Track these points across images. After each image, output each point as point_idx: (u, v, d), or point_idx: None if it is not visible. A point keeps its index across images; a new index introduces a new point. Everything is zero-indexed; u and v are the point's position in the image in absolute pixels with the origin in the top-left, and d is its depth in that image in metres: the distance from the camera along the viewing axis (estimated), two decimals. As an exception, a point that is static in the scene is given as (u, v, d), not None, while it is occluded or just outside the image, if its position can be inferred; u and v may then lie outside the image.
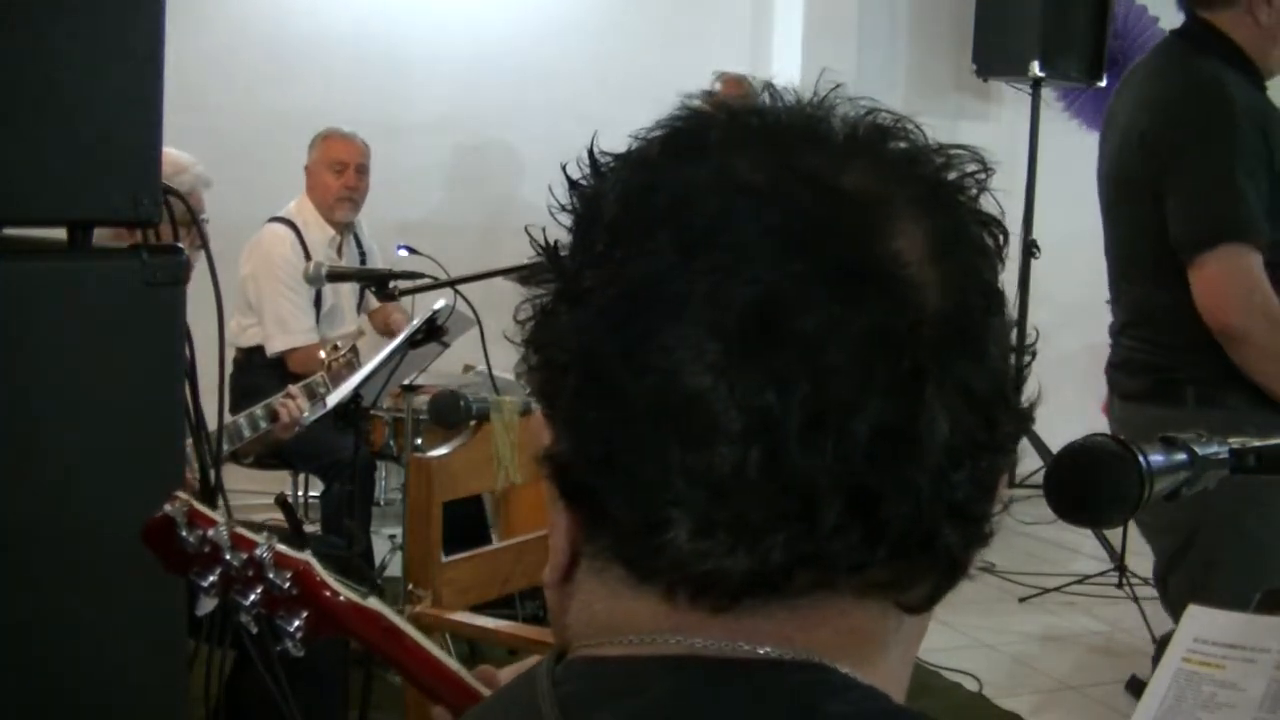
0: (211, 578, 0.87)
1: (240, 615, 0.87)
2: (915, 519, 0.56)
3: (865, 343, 0.54)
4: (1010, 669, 3.79)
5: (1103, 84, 5.39)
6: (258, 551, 0.86)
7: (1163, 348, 2.32)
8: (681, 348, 0.54)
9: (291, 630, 0.86)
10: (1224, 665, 1.12)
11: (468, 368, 4.16)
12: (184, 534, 0.86)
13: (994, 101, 5.81)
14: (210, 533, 0.86)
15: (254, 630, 0.87)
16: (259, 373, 3.89)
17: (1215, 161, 2.15)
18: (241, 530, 0.87)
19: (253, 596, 0.86)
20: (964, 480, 0.56)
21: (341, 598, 0.87)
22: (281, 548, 0.87)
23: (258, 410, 2.73)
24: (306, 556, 0.87)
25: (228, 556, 0.86)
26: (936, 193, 0.59)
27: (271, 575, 0.85)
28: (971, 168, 0.61)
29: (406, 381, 3.52)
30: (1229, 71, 2.22)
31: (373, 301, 4.21)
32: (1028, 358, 0.62)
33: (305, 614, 0.86)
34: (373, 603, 0.88)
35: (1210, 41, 2.27)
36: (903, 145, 0.60)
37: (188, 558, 0.87)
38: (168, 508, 0.87)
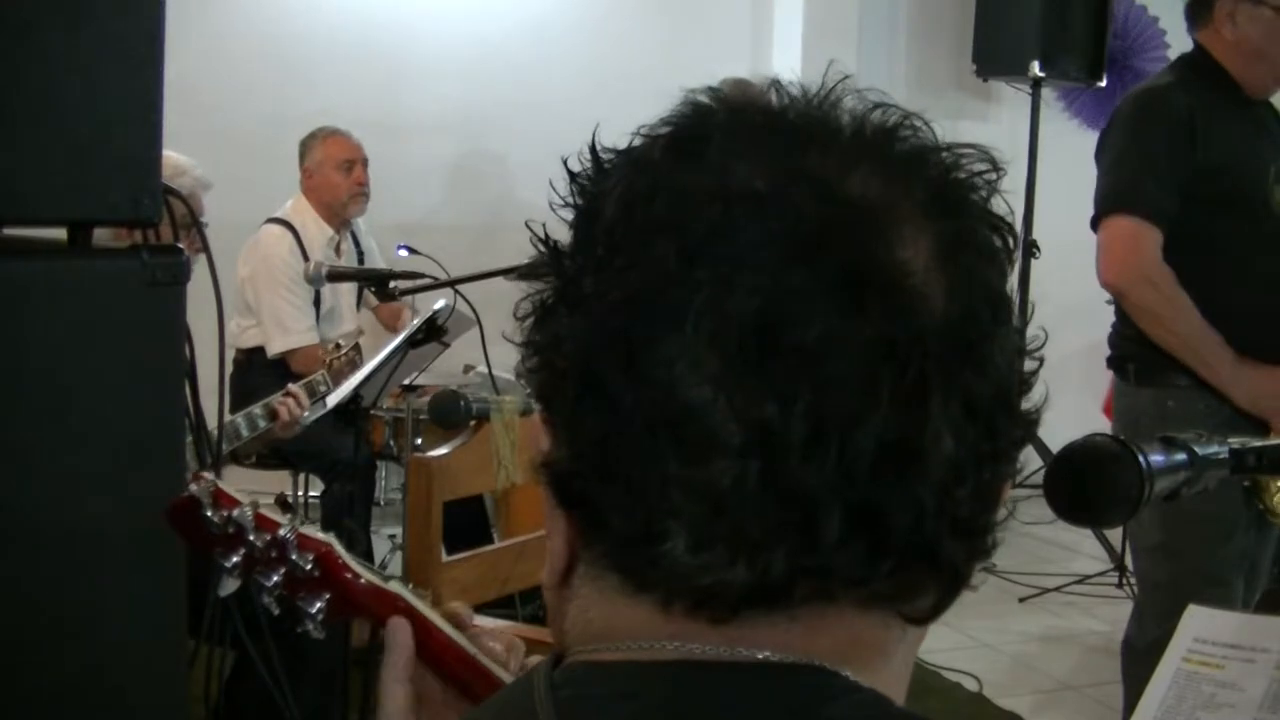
0: (235, 558, 0.87)
1: (262, 596, 0.87)
2: (918, 534, 0.55)
3: (868, 355, 0.53)
4: (1010, 669, 3.78)
5: (1103, 84, 5.39)
6: (281, 532, 0.86)
7: (1119, 323, 2.58)
8: (681, 359, 0.53)
9: (313, 612, 0.86)
10: (1224, 665, 1.12)
11: (468, 368, 4.16)
12: (209, 514, 0.86)
13: (994, 101, 5.81)
14: (234, 513, 0.86)
15: (276, 611, 0.87)
16: (259, 373, 3.88)
17: (1124, 146, 2.46)
18: (265, 511, 0.87)
19: (275, 578, 0.86)
20: (968, 493, 0.56)
21: (363, 580, 0.87)
22: (305, 529, 0.87)
23: (257, 409, 2.73)
24: (329, 538, 0.87)
25: (251, 537, 0.86)
26: (944, 196, 0.58)
27: (294, 556, 0.85)
28: (980, 167, 0.60)
29: (406, 381, 3.52)
30: (1195, 86, 2.45)
31: (373, 299, 4.21)
32: (1034, 362, 0.60)
33: (327, 596, 0.86)
34: (394, 585, 0.88)
35: (1197, 60, 2.52)
36: (910, 145, 0.59)
37: (212, 538, 0.87)
38: (193, 487, 0.87)
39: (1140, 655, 2.56)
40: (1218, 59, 2.48)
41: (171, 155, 2.53)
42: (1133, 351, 2.50)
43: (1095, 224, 2.47)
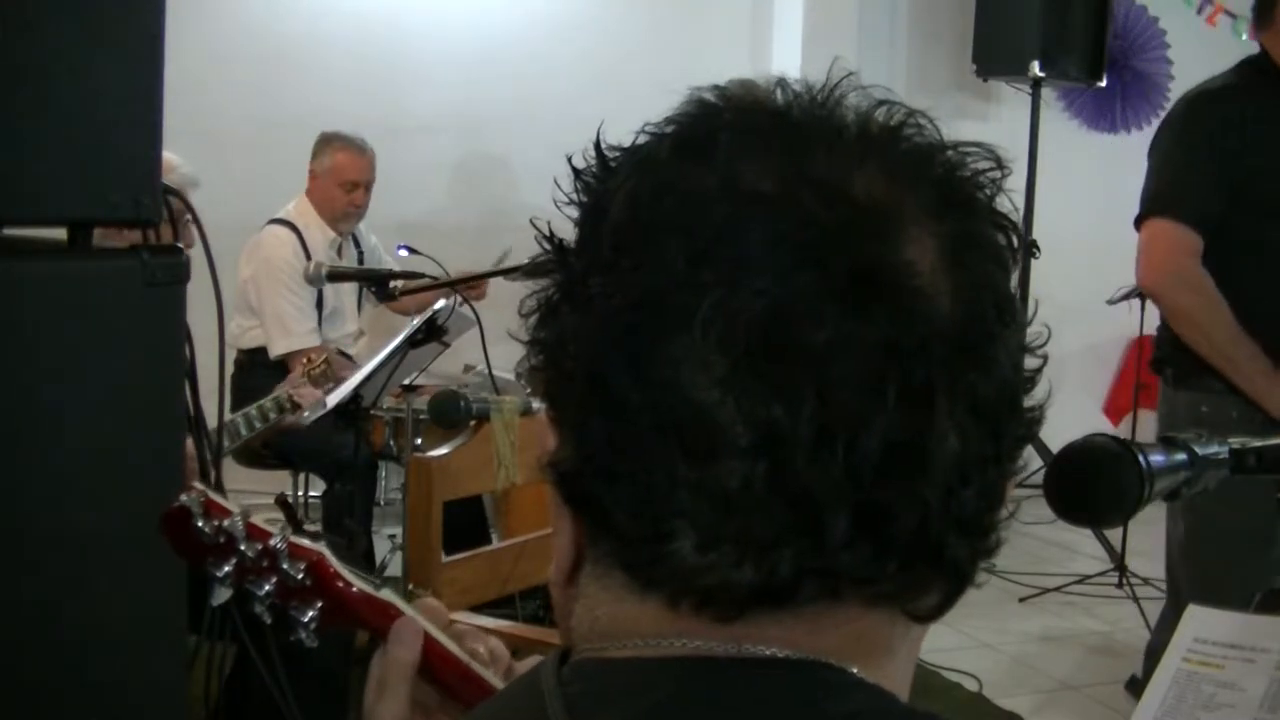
0: (226, 568, 0.87)
1: (254, 606, 0.87)
2: (923, 534, 0.55)
3: (875, 357, 0.53)
4: (1010, 669, 3.78)
5: (1102, 84, 5.38)
6: (272, 542, 0.86)
7: (1160, 326, 2.60)
8: (687, 361, 0.53)
9: (305, 621, 0.86)
10: (1224, 665, 1.12)
11: (468, 368, 4.16)
12: (200, 524, 0.86)
13: (994, 101, 5.81)
14: (225, 523, 0.86)
15: (268, 621, 0.87)
16: (260, 374, 3.88)
17: (1169, 148, 2.46)
18: (256, 520, 0.87)
19: (267, 587, 0.86)
20: (972, 493, 0.56)
21: (355, 589, 0.87)
22: (296, 538, 0.87)
23: (253, 411, 2.74)
24: (320, 547, 0.87)
25: (242, 547, 0.86)
26: (949, 195, 0.58)
27: (285, 565, 0.85)
28: (985, 165, 0.60)
29: (406, 381, 3.52)
30: (1254, 87, 2.43)
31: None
32: (1038, 360, 0.60)
33: (319, 604, 0.86)
34: (385, 594, 0.88)
35: (1259, 61, 2.49)
36: (915, 144, 0.59)
37: (203, 548, 0.87)
38: (184, 498, 0.87)
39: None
40: (1277, 61, 2.46)
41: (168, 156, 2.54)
42: (1170, 355, 2.51)
43: (1138, 225, 2.48)
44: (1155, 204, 2.44)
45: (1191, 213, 2.38)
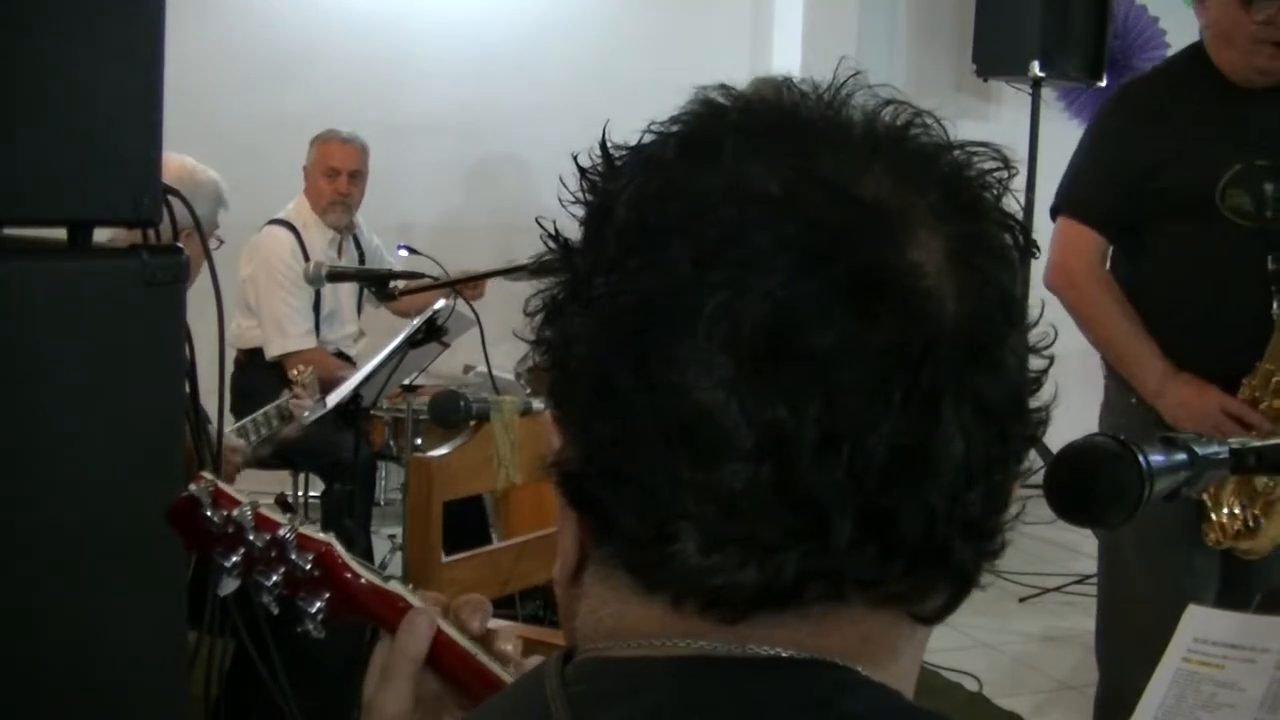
0: (234, 558, 0.87)
1: (262, 596, 0.87)
2: (929, 536, 0.55)
3: (881, 360, 0.53)
4: (1010, 669, 3.79)
5: (1103, 84, 5.38)
6: (281, 532, 0.86)
7: None
8: (693, 363, 0.53)
9: (312, 612, 0.86)
10: (1224, 665, 1.12)
11: (468, 368, 4.16)
12: (208, 514, 0.86)
13: (994, 101, 5.80)
14: (234, 513, 0.86)
15: (275, 611, 0.87)
16: (260, 374, 3.88)
17: (1084, 142, 2.48)
18: (265, 511, 0.87)
19: (274, 577, 0.86)
20: (978, 495, 0.56)
21: (363, 580, 0.87)
22: (305, 529, 0.87)
23: (259, 417, 2.74)
24: (329, 538, 0.87)
25: (251, 537, 0.86)
26: (956, 196, 0.58)
27: (294, 556, 0.85)
28: (991, 165, 0.59)
29: (406, 381, 3.52)
30: (1188, 71, 2.39)
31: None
32: (1044, 360, 0.60)
33: (326, 595, 0.86)
34: (393, 585, 0.88)
35: (1200, 47, 2.43)
36: (921, 144, 0.59)
37: (211, 538, 0.87)
38: (193, 487, 0.87)
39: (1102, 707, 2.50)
40: (1207, 48, 2.39)
41: (208, 171, 2.55)
42: None
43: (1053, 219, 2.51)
44: (1057, 200, 2.46)
45: (1085, 209, 2.39)
